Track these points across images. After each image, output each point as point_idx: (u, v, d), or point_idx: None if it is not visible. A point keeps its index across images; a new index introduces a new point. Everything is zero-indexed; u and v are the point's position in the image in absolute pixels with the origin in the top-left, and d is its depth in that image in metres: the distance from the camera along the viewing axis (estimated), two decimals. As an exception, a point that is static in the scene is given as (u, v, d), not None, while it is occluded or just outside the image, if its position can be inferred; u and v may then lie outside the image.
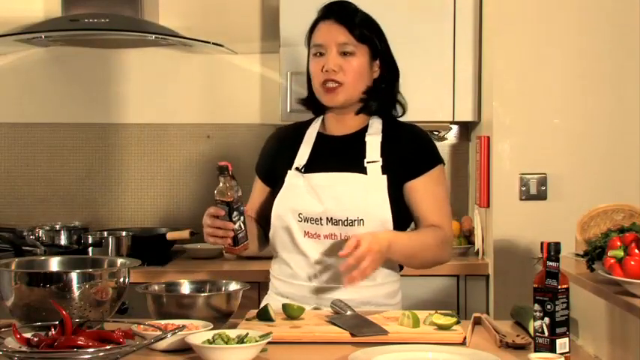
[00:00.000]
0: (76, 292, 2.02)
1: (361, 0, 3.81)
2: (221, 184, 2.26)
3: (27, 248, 3.42)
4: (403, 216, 2.47)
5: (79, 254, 3.51)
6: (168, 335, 1.87)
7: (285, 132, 2.65)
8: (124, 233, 3.68)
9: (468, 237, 3.89)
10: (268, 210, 2.50)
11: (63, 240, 3.88)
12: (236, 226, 2.27)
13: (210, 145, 4.16)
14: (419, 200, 2.45)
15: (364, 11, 2.56)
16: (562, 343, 1.89)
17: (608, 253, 2.00)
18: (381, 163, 2.45)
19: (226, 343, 1.88)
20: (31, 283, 2.03)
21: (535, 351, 1.90)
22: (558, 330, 1.88)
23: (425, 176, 2.46)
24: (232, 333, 1.92)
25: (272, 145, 2.64)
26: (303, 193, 2.43)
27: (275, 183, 2.52)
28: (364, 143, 2.49)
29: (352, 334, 2.08)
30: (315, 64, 2.50)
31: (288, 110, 3.72)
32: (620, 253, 1.97)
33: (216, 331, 1.93)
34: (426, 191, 2.46)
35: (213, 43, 3.86)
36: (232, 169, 2.25)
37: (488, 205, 3.63)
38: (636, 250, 1.95)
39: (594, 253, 2.14)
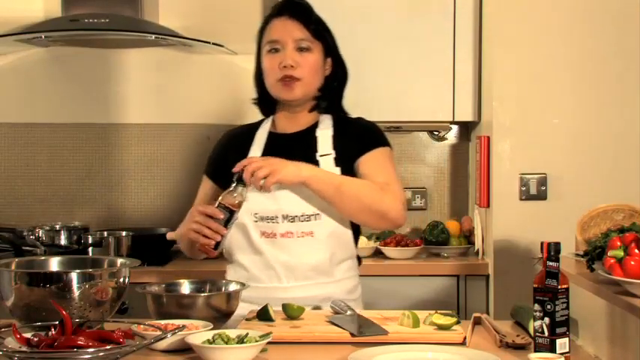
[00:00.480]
0: (76, 292, 2.02)
1: (360, 1, 3.84)
2: (233, 190, 2.27)
3: (27, 248, 3.41)
4: None
5: (79, 254, 3.51)
6: (168, 335, 1.87)
7: (235, 134, 2.64)
8: (124, 233, 3.68)
9: (468, 237, 3.89)
10: None
11: (63, 240, 3.87)
12: (226, 233, 2.28)
13: (210, 145, 4.15)
14: (367, 171, 2.45)
15: (308, 4, 2.58)
16: (562, 343, 1.89)
17: (608, 253, 2.00)
18: (333, 156, 2.46)
19: (226, 343, 1.87)
20: (31, 283, 2.03)
21: (535, 351, 1.90)
22: (558, 330, 1.88)
23: (372, 152, 2.47)
24: (232, 333, 1.92)
25: (222, 147, 2.63)
26: (257, 193, 2.39)
27: (227, 185, 2.47)
28: (315, 138, 2.50)
29: (352, 334, 2.08)
30: (271, 59, 2.48)
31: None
32: (620, 253, 1.97)
33: (216, 331, 1.93)
34: (373, 162, 2.46)
35: (213, 43, 3.86)
36: None
37: (488, 205, 3.63)
38: (636, 250, 1.95)
39: (594, 253, 2.14)
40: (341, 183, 2.36)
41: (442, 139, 4.20)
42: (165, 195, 4.18)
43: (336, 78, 2.56)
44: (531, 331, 1.98)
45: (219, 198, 2.29)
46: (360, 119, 2.59)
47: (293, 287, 2.41)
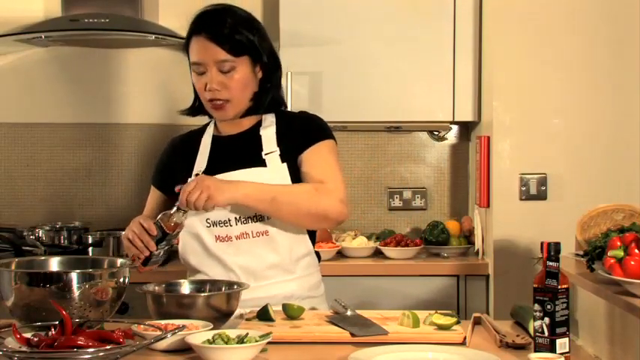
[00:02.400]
0: (76, 292, 2.02)
1: (360, 1, 3.84)
2: (172, 212, 2.28)
3: (27, 248, 3.41)
4: None
5: (79, 254, 3.51)
6: (168, 335, 1.87)
7: (180, 141, 2.63)
8: (123, 233, 3.67)
9: (467, 237, 3.89)
10: None
11: (63, 240, 3.87)
12: (155, 252, 2.29)
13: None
14: (309, 167, 2.44)
15: (238, 12, 2.48)
16: (562, 343, 1.89)
17: (608, 253, 2.00)
18: (278, 152, 2.45)
19: (226, 343, 1.87)
20: (31, 283, 2.03)
21: (535, 351, 1.90)
22: (558, 330, 1.88)
23: (314, 146, 2.46)
24: (232, 333, 1.92)
25: (168, 155, 2.62)
26: None
27: (173, 196, 2.45)
28: (259, 137, 2.49)
29: (352, 334, 2.08)
30: (198, 81, 2.46)
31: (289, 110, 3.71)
32: (620, 253, 1.97)
33: (216, 331, 1.93)
34: (315, 157, 2.45)
35: (213, 43, 3.85)
36: None
37: (488, 205, 3.63)
38: (636, 250, 1.95)
39: (594, 253, 2.14)
40: (274, 196, 2.33)
41: (442, 139, 4.20)
42: (165, 195, 4.18)
43: (268, 79, 2.51)
44: (531, 331, 1.98)
45: (159, 216, 2.30)
46: (303, 113, 2.59)
47: (254, 288, 2.37)
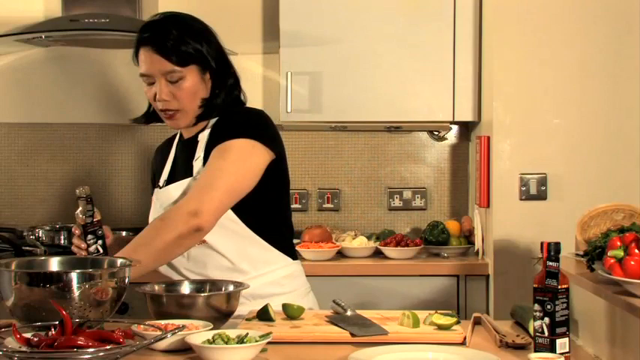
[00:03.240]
0: (76, 292, 2.02)
1: (360, 1, 3.84)
2: (80, 208, 2.38)
3: (27, 248, 3.42)
4: (249, 198, 2.38)
5: (79, 254, 3.50)
6: (168, 335, 1.87)
7: (162, 147, 2.68)
8: (123, 233, 3.67)
9: (467, 237, 3.89)
10: None
11: (63, 240, 3.87)
12: (91, 249, 2.38)
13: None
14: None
15: (183, 21, 2.46)
16: (562, 343, 1.89)
17: (608, 253, 2.00)
18: (202, 156, 2.42)
19: (226, 343, 1.88)
20: (31, 283, 2.03)
21: (535, 351, 1.90)
22: (558, 330, 1.88)
23: (219, 146, 2.37)
24: (232, 333, 1.92)
25: (154, 161, 2.69)
26: (157, 211, 2.49)
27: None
28: (197, 143, 2.48)
29: (352, 334, 2.08)
30: (148, 91, 2.47)
31: (289, 110, 3.72)
32: (620, 253, 1.97)
33: (216, 331, 1.93)
34: (211, 159, 2.36)
35: (213, 43, 3.85)
36: (90, 194, 2.39)
37: (488, 205, 3.63)
38: (636, 250, 1.95)
39: (594, 253, 2.14)
40: (137, 254, 2.23)
41: (442, 139, 4.20)
42: (165, 195, 4.18)
43: (218, 85, 2.48)
44: (531, 331, 1.98)
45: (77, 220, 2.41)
46: (240, 110, 2.50)
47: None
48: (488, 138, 3.61)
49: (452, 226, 3.90)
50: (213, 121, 2.50)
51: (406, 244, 3.73)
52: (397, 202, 4.17)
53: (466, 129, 4.17)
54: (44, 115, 4.20)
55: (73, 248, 2.41)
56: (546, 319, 1.88)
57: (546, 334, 1.89)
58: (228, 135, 2.38)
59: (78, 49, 4.16)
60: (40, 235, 3.84)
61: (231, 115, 2.48)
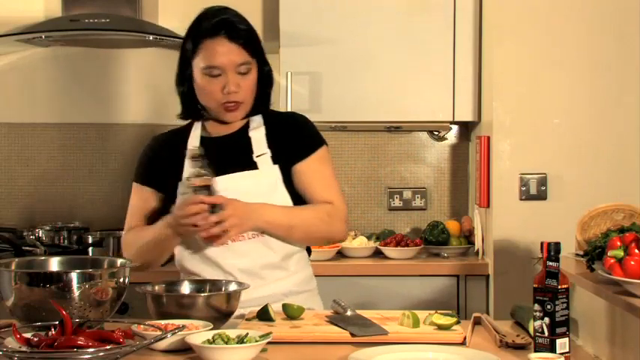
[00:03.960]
0: (76, 292, 2.02)
1: (360, 1, 3.84)
2: (196, 169, 2.32)
3: (27, 248, 3.42)
4: (299, 201, 2.49)
5: (79, 254, 3.51)
6: (168, 335, 1.87)
7: (164, 140, 2.61)
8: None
9: (467, 237, 3.89)
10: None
11: (63, 240, 3.87)
12: (213, 218, 2.30)
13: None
14: (308, 181, 2.48)
15: (240, 14, 2.49)
16: (562, 343, 1.89)
17: (608, 253, 2.00)
18: (269, 154, 2.47)
19: (226, 343, 1.88)
20: (31, 283, 2.03)
21: (535, 351, 1.90)
22: (558, 330, 1.88)
23: (311, 157, 2.50)
24: (232, 333, 1.92)
25: (154, 153, 2.59)
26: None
27: (167, 191, 2.50)
28: (249, 139, 2.50)
29: (352, 334, 2.08)
30: (210, 84, 2.44)
31: (289, 110, 3.72)
32: (620, 253, 1.97)
33: (216, 331, 1.93)
34: (314, 172, 2.49)
35: (213, 44, 3.85)
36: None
37: (488, 205, 3.63)
38: (636, 250, 1.95)
39: (594, 253, 2.14)
40: (291, 224, 2.42)
41: (442, 139, 4.20)
42: (165, 195, 4.18)
43: (267, 85, 2.53)
44: (531, 331, 1.98)
45: (188, 182, 2.34)
46: (291, 114, 2.62)
47: (253, 288, 2.35)
48: (489, 138, 3.61)
49: (452, 226, 3.90)
50: (258, 119, 2.53)
51: (406, 244, 3.73)
52: (397, 202, 4.18)
53: (466, 129, 4.17)
54: (44, 115, 4.20)
55: (193, 220, 2.30)
56: (546, 319, 1.88)
57: (546, 334, 1.89)
58: (316, 142, 2.52)
59: (78, 49, 4.16)
60: (40, 235, 3.84)
61: (293, 118, 2.60)
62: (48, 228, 3.91)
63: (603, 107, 3.54)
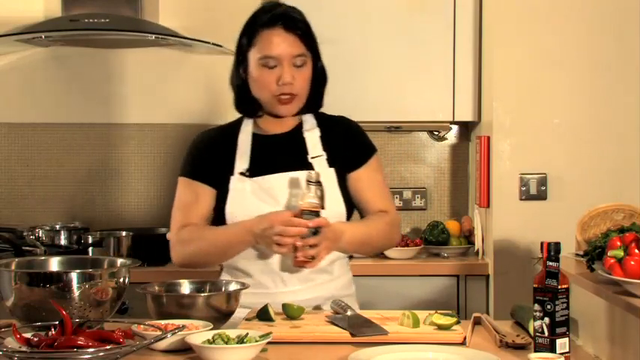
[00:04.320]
0: (76, 292, 2.02)
1: (360, 1, 3.84)
2: (312, 193, 2.28)
3: (27, 248, 3.41)
4: (350, 206, 2.51)
5: (79, 254, 3.51)
6: (168, 335, 1.87)
7: (216, 136, 2.57)
8: (124, 233, 3.67)
9: (468, 237, 3.89)
10: (215, 216, 2.49)
11: (63, 240, 3.87)
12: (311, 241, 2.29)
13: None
14: (364, 189, 2.50)
15: (297, 8, 2.49)
16: (562, 343, 1.89)
17: (608, 253, 2.00)
18: (325, 157, 2.47)
19: (226, 343, 1.88)
20: (31, 283, 2.03)
21: (535, 351, 1.90)
22: (558, 330, 1.88)
23: (366, 166, 2.52)
24: (232, 333, 1.92)
25: (206, 148, 2.54)
26: (256, 197, 2.40)
27: (219, 188, 2.47)
28: (303, 139, 2.49)
29: (352, 334, 2.08)
30: (266, 75, 2.42)
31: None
32: (620, 253, 1.97)
33: (216, 331, 1.93)
34: (369, 180, 2.51)
35: (213, 44, 3.85)
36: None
37: (488, 205, 3.63)
38: (636, 250, 1.95)
39: (594, 253, 2.14)
40: (364, 242, 2.46)
41: (442, 139, 4.20)
42: (165, 195, 4.18)
43: (321, 82, 2.54)
44: (531, 331, 1.98)
45: (300, 204, 2.30)
46: (343, 119, 2.60)
47: (297, 290, 2.41)
48: (489, 138, 3.62)
49: (452, 226, 3.90)
50: (311, 120, 2.53)
51: (406, 244, 3.73)
52: (397, 202, 4.17)
53: (466, 129, 4.17)
54: (44, 115, 4.19)
55: (292, 240, 2.26)
56: (546, 319, 1.88)
57: (546, 334, 1.89)
58: (370, 150, 2.55)
59: (78, 49, 4.16)
60: (40, 235, 3.84)
61: (347, 123, 2.60)
62: (48, 228, 3.91)
63: (603, 107, 3.54)
